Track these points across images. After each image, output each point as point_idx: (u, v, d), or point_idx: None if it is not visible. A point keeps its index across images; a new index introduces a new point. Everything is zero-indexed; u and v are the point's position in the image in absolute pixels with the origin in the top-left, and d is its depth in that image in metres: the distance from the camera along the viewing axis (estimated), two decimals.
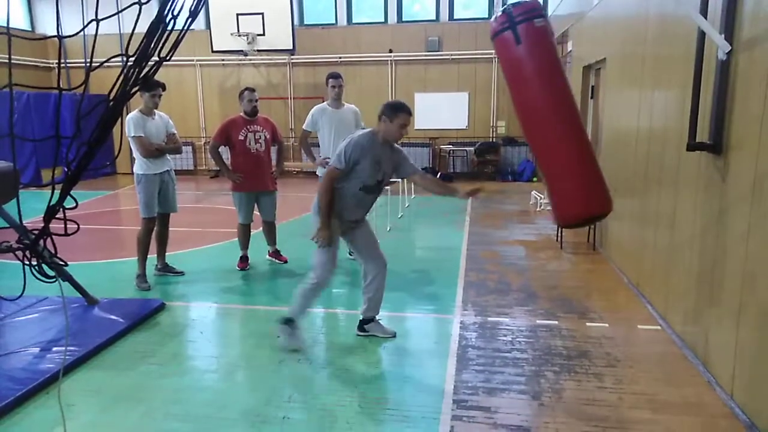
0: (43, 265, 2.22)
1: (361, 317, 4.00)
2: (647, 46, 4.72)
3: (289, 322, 3.79)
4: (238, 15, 12.24)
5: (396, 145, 3.75)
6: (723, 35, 3.09)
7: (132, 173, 5.31)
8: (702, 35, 3.35)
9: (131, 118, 4.95)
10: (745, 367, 2.91)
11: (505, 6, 3.15)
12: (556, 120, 3.15)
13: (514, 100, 3.31)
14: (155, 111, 5.10)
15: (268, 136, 5.59)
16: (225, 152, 5.56)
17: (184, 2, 2.01)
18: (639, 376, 3.36)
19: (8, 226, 3.65)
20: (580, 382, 3.30)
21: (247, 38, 12.28)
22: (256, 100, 5.52)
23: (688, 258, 3.70)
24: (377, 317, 4.02)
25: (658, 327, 4.10)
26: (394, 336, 3.97)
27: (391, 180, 4.00)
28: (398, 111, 3.54)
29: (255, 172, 5.51)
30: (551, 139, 3.18)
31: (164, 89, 5.07)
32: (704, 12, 3.29)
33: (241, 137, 5.44)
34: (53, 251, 2.18)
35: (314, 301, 3.83)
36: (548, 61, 3.13)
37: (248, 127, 5.48)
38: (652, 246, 4.49)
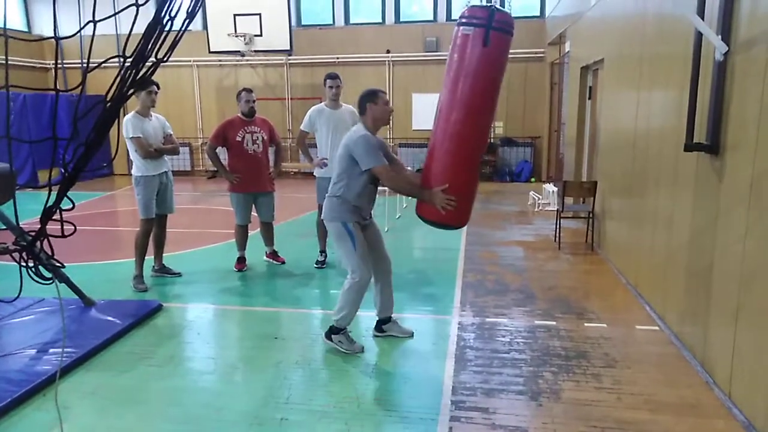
0: (40, 267, 2.22)
1: (377, 318, 4.00)
2: (645, 47, 4.73)
3: (339, 331, 3.75)
4: (235, 15, 12.22)
5: None
6: (720, 36, 3.10)
7: (129, 174, 5.30)
8: (699, 36, 3.35)
9: (128, 119, 4.95)
10: (742, 367, 2.91)
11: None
12: (445, 133, 3.37)
13: None
14: (151, 112, 5.10)
15: (265, 137, 5.58)
16: (222, 153, 5.55)
17: (181, 3, 2.00)
18: (637, 377, 3.36)
19: (5, 227, 3.64)
20: (579, 383, 3.30)
21: (245, 39, 12.27)
22: (254, 101, 5.51)
23: (686, 258, 3.71)
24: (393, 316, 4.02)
25: (656, 327, 4.11)
26: (412, 336, 3.96)
27: None
28: (377, 92, 3.68)
29: (252, 173, 5.49)
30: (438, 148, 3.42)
31: (159, 88, 5.07)
32: (701, 13, 3.30)
33: (238, 138, 5.43)
34: (50, 253, 2.18)
35: (359, 302, 3.71)
36: (452, 69, 3.31)
37: (246, 128, 5.47)
38: (650, 246, 4.49)
